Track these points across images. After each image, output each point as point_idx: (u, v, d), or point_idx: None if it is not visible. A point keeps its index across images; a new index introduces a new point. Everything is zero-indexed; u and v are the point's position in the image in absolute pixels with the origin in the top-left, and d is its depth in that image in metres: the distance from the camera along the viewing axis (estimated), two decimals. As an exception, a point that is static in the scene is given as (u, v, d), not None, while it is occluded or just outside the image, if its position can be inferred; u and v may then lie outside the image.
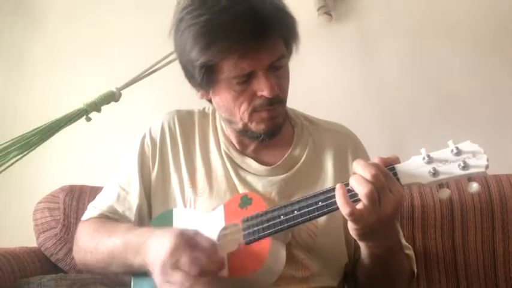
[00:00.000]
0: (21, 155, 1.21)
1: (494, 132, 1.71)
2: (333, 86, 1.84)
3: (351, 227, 0.86)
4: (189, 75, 1.03)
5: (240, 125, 1.04)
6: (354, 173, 0.84)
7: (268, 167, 1.09)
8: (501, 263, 1.38)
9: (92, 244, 1.06)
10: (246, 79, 0.98)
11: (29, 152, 1.22)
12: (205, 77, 0.98)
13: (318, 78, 1.82)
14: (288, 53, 1.03)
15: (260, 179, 1.07)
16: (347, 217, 0.83)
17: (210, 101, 1.09)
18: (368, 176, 0.81)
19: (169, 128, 1.14)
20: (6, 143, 1.20)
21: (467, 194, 1.41)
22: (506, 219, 1.39)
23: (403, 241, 1.11)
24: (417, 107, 1.76)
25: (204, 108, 1.20)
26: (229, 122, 1.06)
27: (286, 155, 1.10)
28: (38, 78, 2.03)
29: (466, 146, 0.82)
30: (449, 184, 1.44)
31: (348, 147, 1.13)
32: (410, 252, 1.11)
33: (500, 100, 1.74)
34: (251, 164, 1.09)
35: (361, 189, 0.81)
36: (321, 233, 1.04)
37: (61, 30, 2.03)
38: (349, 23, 1.84)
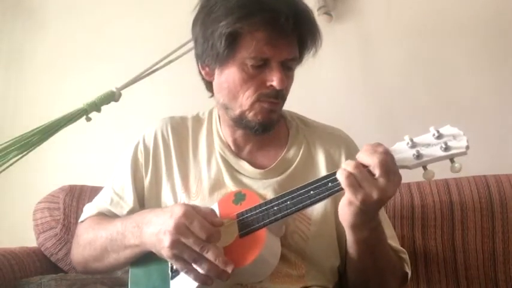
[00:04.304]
0: (21, 155, 1.20)
1: (494, 133, 1.71)
2: (332, 86, 1.84)
3: (348, 211, 0.87)
4: (208, 47, 1.03)
5: (237, 112, 1.05)
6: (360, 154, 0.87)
7: (262, 170, 1.10)
8: (501, 263, 1.38)
9: (91, 235, 1.09)
10: (261, 64, 1.01)
11: (29, 152, 1.21)
12: (226, 49, 1.00)
13: (317, 78, 1.82)
14: (299, 59, 1.07)
15: (255, 182, 1.09)
16: (354, 191, 0.84)
17: (210, 84, 1.11)
18: (378, 149, 0.85)
19: (162, 134, 1.16)
20: (6, 143, 1.19)
21: (467, 194, 1.42)
22: (506, 219, 1.39)
23: (397, 245, 1.11)
24: (417, 106, 1.76)
25: (197, 113, 1.21)
26: (226, 108, 1.07)
27: (280, 158, 1.11)
28: (38, 78, 2.03)
29: (447, 129, 0.86)
30: (450, 185, 1.44)
31: (342, 149, 1.13)
32: (405, 256, 1.11)
33: (500, 100, 1.74)
34: (245, 167, 1.11)
35: (374, 159, 0.84)
36: (313, 235, 1.05)
37: (61, 31, 2.03)
38: (349, 23, 1.84)
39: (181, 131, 1.17)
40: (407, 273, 1.09)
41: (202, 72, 1.10)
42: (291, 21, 0.97)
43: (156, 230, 0.93)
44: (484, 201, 1.40)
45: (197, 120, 1.19)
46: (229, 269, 0.89)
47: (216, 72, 1.06)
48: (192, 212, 0.92)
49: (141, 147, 1.16)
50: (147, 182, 1.13)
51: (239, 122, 1.07)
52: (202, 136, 1.16)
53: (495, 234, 1.39)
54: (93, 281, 1.28)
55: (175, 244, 0.90)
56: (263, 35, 0.98)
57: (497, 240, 1.39)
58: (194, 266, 0.91)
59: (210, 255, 0.89)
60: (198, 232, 0.90)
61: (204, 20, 1.04)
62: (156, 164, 1.14)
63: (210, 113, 1.19)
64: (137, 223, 0.99)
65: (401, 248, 1.12)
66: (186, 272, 0.92)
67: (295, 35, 1.02)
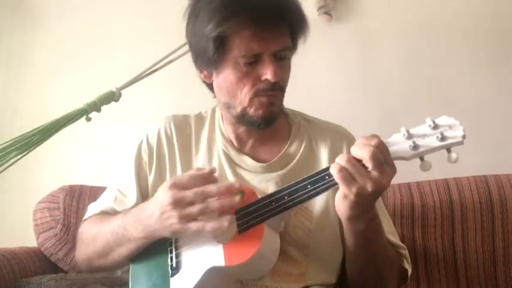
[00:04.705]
0: (21, 155, 1.20)
1: (494, 133, 1.71)
2: (332, 86, 1.84)
3: (343, 204, 0.88)
4: (200, 51, 1.05)
5: (238, 110, 1.06)
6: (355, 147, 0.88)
7: (264, 164, 1.11)
8: (501, 263, 1.38)
9: (94, 231, 1.10)
10: (253, 61, 1.01)
11: (29, 152, 1.21)
12: (216, 52, 1.01)
13: (317, 77, 1.82)
14: (293, 47, 1.07)
15: (256, 176, 1.09)
16: (347, 184, 0.85)
17: (210, 85, 1.12)
18: (371, 142, 0.85)
19: (166, 132, 1.17)
20: (6, 143, 1.19)
21: (467, 194, 1.42)
22: (506, 219, 1.39)
23: (397, 240, 1.12)
24: (417, 106, 1.76)
25: (200, 112, 1.23)
26: (228, 107, 1.09)
27: (282, 152, 1.13)
28: (38, 78, 2.03)
29: (443, 120, 0.87)
30: (450, 185, 1.44)
31: (344, 144, 1.14)
32: (404, 251, 1.11)
33: (500, 100, 1.74)
34: (247, 161, 1.12)
35: (366, 153, 0.84)
36: (315, 228, 1.05)
37: (61, 30, 2.03)
38: (349, 23, 1.84)
39: (184, 128, 1.18)
40: (407, 269, 1.09)
41: (201, 76, 1.12)
42: (273, 14, 0.98)
43: (159, 214, 0.95)
44: (484, 201, 1.40)
45: (199, 118, 1.21)
46: (236, 188, 0.94)
47: (214, 74, 1.08)
48: (176, 178, 0.97)
49: (144, 146, 1.17)
50: (151, 179, 1.14)
51: (242, 119, 1.08)
52: (205, 133, 1.17)
53: (495, 234, 1.39)
54: (93, 281, 1.28)
55: (180, 210, 0.92)
56: (248, 32, 0.99)
57: (497, 240, 1.39)
58: (208, 216, 0.92)
59: (213, 188, 0.93)
60: (192, 184, 0.94)
61: (192, 25, 1.05)
62: (160, 161, 1.15)
63: (213, 111, 1.21)
64: (137, 217, 1.00)
65: (401, 243, 1.12)
66: (205, 228, 0.92)
67: (282, 25, 1.02)
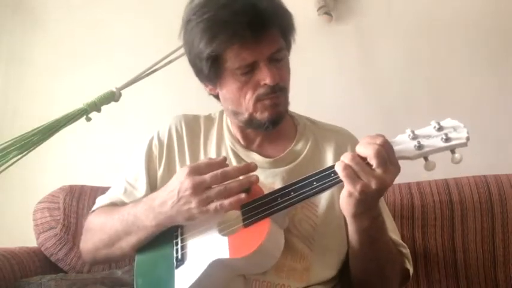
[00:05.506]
0: (21, 155, 1.21)
1: (494, 133, 1.72)
2: (332, 86, 1.84)
3: (348, 201, 0.89)
4: (198, 70, 1.09)
5: (245, 116, 1.09)
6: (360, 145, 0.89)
7: (271, 159, 1.13)
8: (501, 263, 1.38)
9: (102, 220, 1.11)
10: (249, 70, 1.04)
11: (29, 152, 1.22)
12: (212, 69, 1.05)
13: (317, 78, 1.82)
14: (287, 46, 1.09)
15: (263, 171, 1.10)
16: (352, 182, 0.86)
17: (217, 96, 1.14)
18: (376, 141, 0.87)
19: (176, 129, 1.20)
20: (6, 143, 1.20)
21: (467, 194, 1.42)
22: (506, 219, 1.39)
23: (398, 238, 1.12)
24: (417, 106, 1.77)
25: (210, 114, 1.25)
26: (235, 114, 1.11)
27: (288, 149, 1.15)
28: (38, 78, 2.03)
29: (447, 122, 0.89)
30: (450, 185, 1.44)
31: (348, 145, 1.16)
32: (405, 250, 1.12)
33: (500, 100, 1.74)
34: (254, 157, 1.14)
35: (370, 151, 0.85)
36: (321, 222, 1.07)
37: (61, 30, 2.03)
38: (349, 23, 1.84)
39: (194, 127, 1.21)
40: (408, 269, 1.10)
41: (207, 89, 1.15)
42: (256, 24, 1.00)
43: (175, 200, 0.97)
44: (484, 201, 1.40)
45: (209, 119, 1.23)
46: (252, 166, 0.98)
47: (217, 87, 1.11)
48: (193, 165, 0.99)
49: (155, 141, 1.19)
50: (160, 172, 1.16)
51: (250, 123, 1.10)
52: (213, 132, 1.20)
53: (495, 234, 1.39)
54: (93, 281, 1.28)
55: (200, 195, 0.95)
56: (237, 46, 1.01)
57: (497, 240, 1.39)
58: (225, 197, 0.96)
59: (231, 171, 0.97)
60: (208, 170, 0.97)
61: (186, 43, 1.09)
62: (170, 156, 1.17)
63: (221, 113, 1.23)
64: (149, 205, 1.02)
65: (402, 242, 1.12)
66: (224, 205, 0.95)
67: (269, 29, 1.03)
